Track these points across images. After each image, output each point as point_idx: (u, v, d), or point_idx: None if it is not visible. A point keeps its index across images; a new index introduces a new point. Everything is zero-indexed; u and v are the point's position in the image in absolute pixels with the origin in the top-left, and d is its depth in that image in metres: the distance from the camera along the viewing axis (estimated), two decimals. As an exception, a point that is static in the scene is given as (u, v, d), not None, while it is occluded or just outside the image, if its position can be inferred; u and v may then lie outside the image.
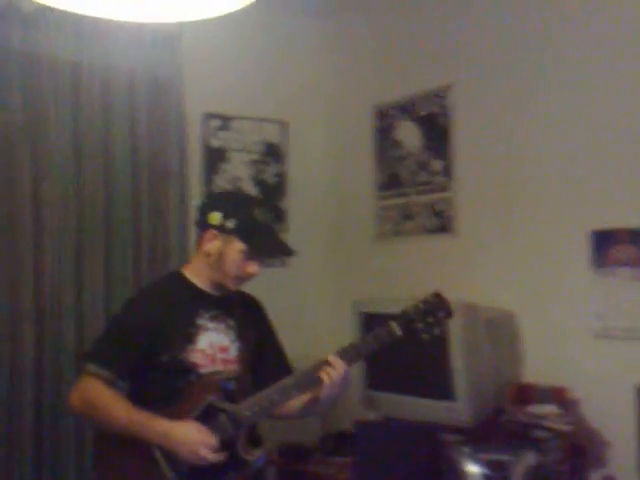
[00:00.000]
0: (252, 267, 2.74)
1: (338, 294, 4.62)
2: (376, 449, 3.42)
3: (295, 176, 4.72)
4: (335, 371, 2.63)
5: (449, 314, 2.73)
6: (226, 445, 2.62)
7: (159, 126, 4.17)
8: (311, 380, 2.67)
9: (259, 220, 2.76)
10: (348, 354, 2.68)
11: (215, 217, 2.72)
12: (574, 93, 3.52)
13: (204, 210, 2.81)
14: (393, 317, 2.70)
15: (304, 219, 4.72)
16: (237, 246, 2.71)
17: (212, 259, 2.74)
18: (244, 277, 2.77)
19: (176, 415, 2.63)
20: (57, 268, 3.90)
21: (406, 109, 4.30)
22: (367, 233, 4.50)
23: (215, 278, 2.78)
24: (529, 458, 3.09)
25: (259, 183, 4.58)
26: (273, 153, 4.65)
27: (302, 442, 4.08)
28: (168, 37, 4.15)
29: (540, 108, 3.66)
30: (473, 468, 3.09)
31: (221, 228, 2.71)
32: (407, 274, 4.26)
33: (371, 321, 3.84)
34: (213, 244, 2.73)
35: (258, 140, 4.59)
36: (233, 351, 2.80)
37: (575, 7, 3.52)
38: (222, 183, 4.46)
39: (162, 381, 2.72)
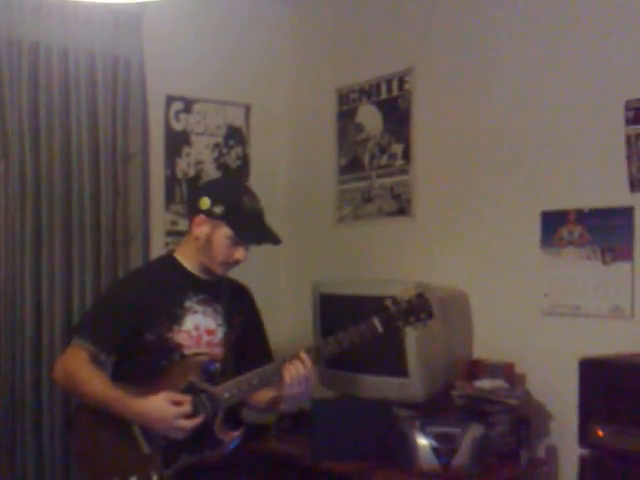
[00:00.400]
0: (239, 253, 2.81)
1: (298, 276, 4.68)
2: (332, 426, 3.46)
3: (257, 159, 4.75)
4: (296, 370, 2.70)
5: (430, 315, 2.83)
6: (204, 424, 2.69)
7: (120, 108, 4.15)
8: (280, 371, 2.74)
9: (247, 207, 2.83)
10: (321, 351, 2.79)
11: (205, 202, 2.79)
12: (530, 77, 3.57)
13: (195, 195, 2.90)
14: (375, 312, 2.78)
15: (265, 202, 4.66)
16: (224, 231, 2.78)
17: (200, 243, 2.82)
18: (231, 262, 2.85)
19: (155, 392, 2.68)
20: (14, 252, 3.89)
21: (368, 92, 4.33)
22: (327, 216, 4.55)
23: (203, 262, 2.85)
24: (476, 430, 3.16)
25: (221, 166, 4.60)
26: (235, 136, 4.66)
27: (260, 421, 4.12)
28: (129, 17, 4.12)
29: (496, 93, 3.71)
30: (422, 440, 3.15)
31: (209, 213, 2.79)
32: (366, 256, 4.32)
33: (329, 302, 3.91)
34: (201, 229, 2.81)
35: (220, 123, 4.61)
36: (219, 334, 2.87)
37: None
38: (185, 167, 4.47)
39: (146, 359, 2.79)
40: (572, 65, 3.42)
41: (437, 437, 3.14)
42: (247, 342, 2.98)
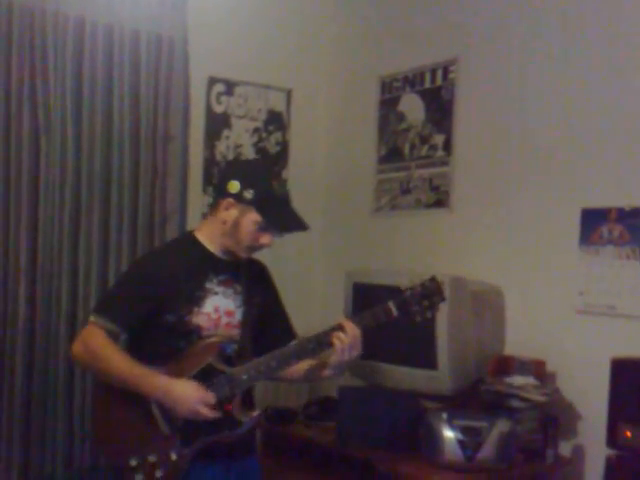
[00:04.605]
0: (265, 238, 2.78)
1: (333, 265, 4.67)
2: (358, 413, 3.47)
3: (296, 145, 4.74)
4: (347, 336, 2.70)
5: (443, 299, 2.81)
6: (222, 405, 2.69)
7: (162, 88, 4.15)
8: (314, 348, 2.75)
9: (277, 193, 2.80)
10: (357, 320, 2.76)
11: (234, 186, 2.74)
12: (576, 71, 3.53)
13: (224, 177, 2.86)
14: (391, 297, 2.76)
15: (303, 189, 4.70)
16: (253, 217, 2.74)
17: (227, 227, 2.77)
18: (256, 247, 2.82)
19: (175, 373, 2.69)
20: (52, 228, 3.91)
21: (411, 81, 4.31)
22: (365, 205, 4.53)
23: (227, 245, 2.82)
24: (503, 425, 3.13)
25: (260, 151, 4.60)
26: (276, 121, 4.65)
27: (288, 407, 4.13)
28: (175, -3, 4.13)
29: (541, 86, 3.67)
30: (449, 433, 3.13)
31: (239, 197, 2.74)
32: (402, 247, 4.30)
33: (363, 292, 3.89)
34: (229, 212, 2.76)
35: (261, 107, 4.60)
36: (238, 316, 2.85)
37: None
38: (224, 149, 4.47)
39: (164, 340, 2.77)
40: (620, 58, 3.37)
41: (463, 430, 3.12)
42: (267, 321, 2.96)
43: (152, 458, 2.70)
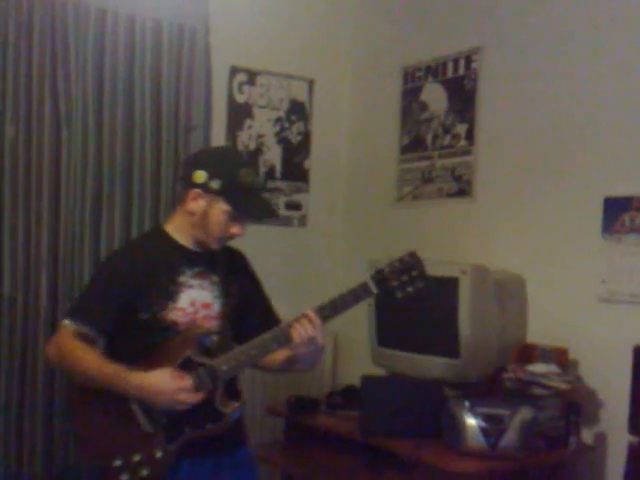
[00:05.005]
0: (236, 228, 2.71)
1: (354, 254, 4.65)
2: (381, 403, 3.46)
3: (319, 135, 4.74)
4: (304, 329, 2.63)
5: (422, 274, 2.72)
6: (204, 398, 2.62)
7: (184, 78, 4.17)
8: (286, 335, 2.66)
9: (245, 181, 2.70)
10: (325, 310, 2.67)
11: (200, 176, 2.66)
12: (600, 60, 3.51)
13: (189, 167, 2.75)
14: (371, 275, 2.70)
15: (325, 179, 4.76)
16: (221, 207, 2.66)
17: (195, 218, 2.70)
18: (227, 237, 2.74)
19: (152, 370, 2.60)
20: (74, 219, 3.93)
21: (434, 71, 4.30)
22: (387, 195, 4.53)
23: (197, 236, 2.74)
24: (525, 413, 3.12)
25: (282, 141, 4.61)
26: (298, 111, 4.66)
27: (311, 396, 4.14)
28: (197, -14, 4.13)
29: (563, 76, 3.66)
30: (471, 420, 3.12)
31: (206, 188, 2.66)
32: (424, 237, 4.28)
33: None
34: (197, 203, 2.68)
35: (284, 97, 4.61)
36: (216, 307, 2.77)
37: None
38: (246, 139, 4.49)
39: (140, 338, 2.70)
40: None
41: (486, 418, 3.12)
42: (247, 310, 2.88)
43: (136, 457, 2.63)
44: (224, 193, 2.66)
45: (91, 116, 3.96)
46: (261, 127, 4.54)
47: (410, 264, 2.71)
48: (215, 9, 4.24)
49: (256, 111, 4.52)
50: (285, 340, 2.66)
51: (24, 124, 3.81)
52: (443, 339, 3.61)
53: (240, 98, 4.47)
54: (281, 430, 4.08)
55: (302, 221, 4.67)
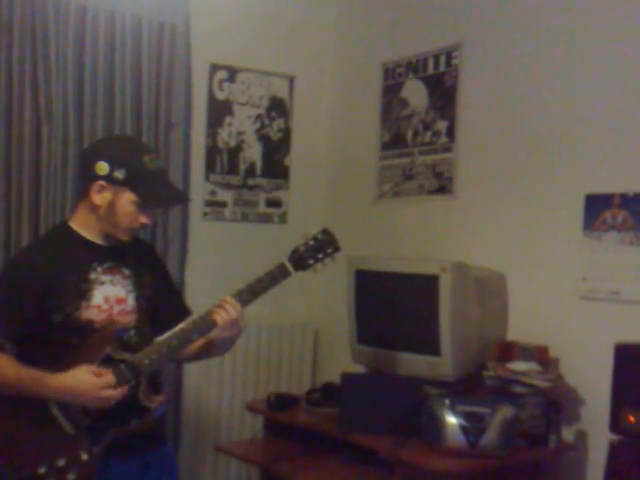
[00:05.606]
0: (145, 217, 2.64)
1: (336, 251, 4.64)
2: (361, 400, 3.46)
3: (299, 132, 4.73)
4: (227, 313, 2.60)
5: (337, 249, 2.75)
6: (129, 394, 2.56)
7: (164, 75, 4.16)
8: (208, 323, 2.61)
9: (150, 168, 2.62)
10: (244, 295, 2.64)
11: (102, 167, 2.56)
12: (580, 57, 3.52)
13: (89, 159, 2.63)
14: (287, 256, 2.71)
15: (305, 176, 4.75)
16: (129, 197, 2.58)
17: (102, 211, 2.61)
18: (137, 228, 2.67)
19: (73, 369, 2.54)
20: (55, 217, 3.88)
21: (414, 67, 4.29)
22: (367, 192, 4.52)
23: (105, 230, 2.66)
24: (506, 411, 3.13)
25: (263, 138, 4.60)
26: (278, 108, 4.65)
27: (291, 393, 4.14)
28: (177, -17, 4.11)
29: (545, 72, 3.66)
30: (451, 419, 3.13)
31: (109, 179, 2.56)
32: (405, 234, 4.29)
33: (365, 278, 3.89)
34: (102, 196, 2.59)
35: (264, 94, 4.59)
36: (131, 301, 2.70)
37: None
38: (226, 137, 4.47)
39: (55, 340, 2.60)
40: (621, 45, 3.36)
41: (466, 416, 3.12)
42: (159, 300, 2.81)
43: (61, 462, 2.54)
44: (130, 182, 2.57)
45: (71, 112, 3.93)
46: (241, 124, 4.53)
47: (324, 241, 2.72)
48: (195, 6, 4.23)
49: (236, 108, 4.50)
50: (207, 327, 2.62)
51: (4, 120, 3.78)
52: (423, 336, 3.60)
53: (220, 95, 4.45)
54: (260, 427, 4.07)
55: (282, 218, 4.66)
